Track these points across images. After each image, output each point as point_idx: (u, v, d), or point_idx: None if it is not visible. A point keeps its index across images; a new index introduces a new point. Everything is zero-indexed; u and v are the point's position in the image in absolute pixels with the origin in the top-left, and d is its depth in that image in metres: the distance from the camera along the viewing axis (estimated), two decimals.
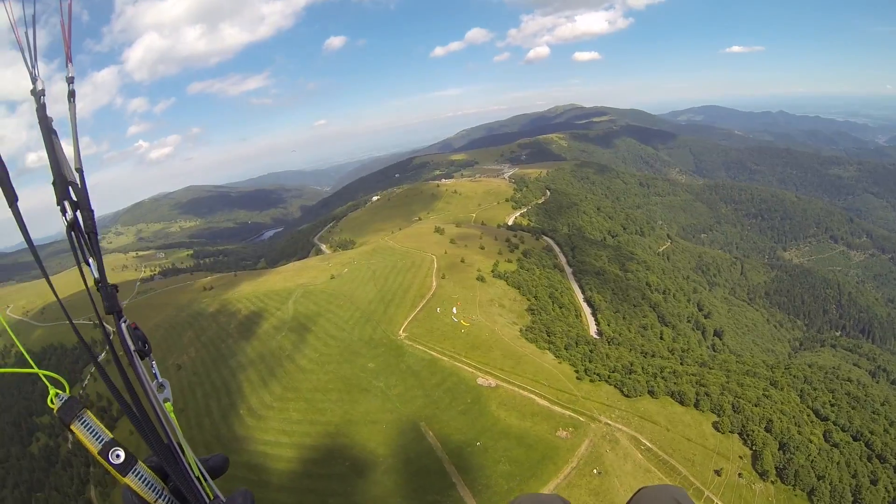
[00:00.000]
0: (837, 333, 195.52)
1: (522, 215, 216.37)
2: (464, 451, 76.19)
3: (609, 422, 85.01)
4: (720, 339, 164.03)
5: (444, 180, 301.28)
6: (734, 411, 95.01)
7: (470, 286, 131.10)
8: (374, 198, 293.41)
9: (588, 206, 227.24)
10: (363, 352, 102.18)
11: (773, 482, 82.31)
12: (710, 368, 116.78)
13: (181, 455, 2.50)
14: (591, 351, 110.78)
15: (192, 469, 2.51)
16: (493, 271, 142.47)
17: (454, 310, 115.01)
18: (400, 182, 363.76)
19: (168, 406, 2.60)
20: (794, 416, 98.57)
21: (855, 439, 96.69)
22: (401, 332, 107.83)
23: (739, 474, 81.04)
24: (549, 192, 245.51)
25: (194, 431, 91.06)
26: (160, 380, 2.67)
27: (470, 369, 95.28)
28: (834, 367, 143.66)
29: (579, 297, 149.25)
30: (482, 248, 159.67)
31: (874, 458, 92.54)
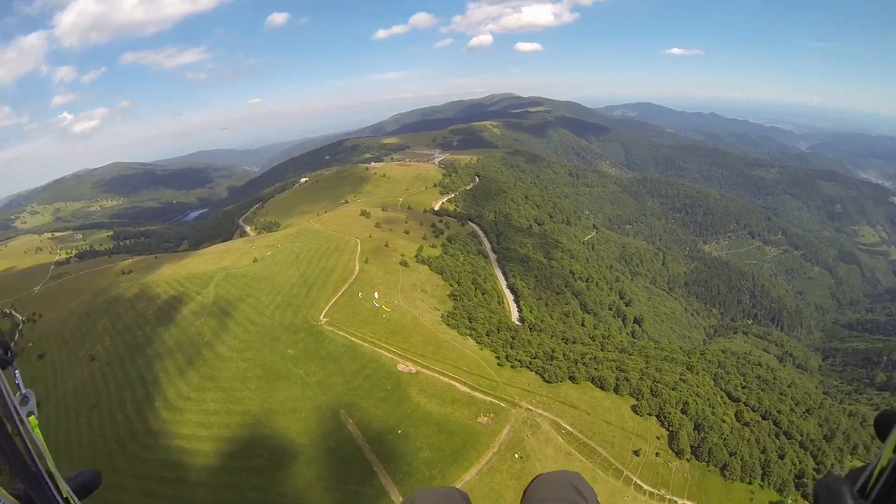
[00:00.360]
0: (750, 322, 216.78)
1: (450, 201, 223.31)
2: (385, 439, 77.39)
3: (530, 407, 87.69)
4: (640, 327, 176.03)
5: (373, 164, 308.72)
6: (652, 395, 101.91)
7: (393, 271, 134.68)
8: (303, 179, 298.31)
9: (516, 194, 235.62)
10: (283, 338, 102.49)
11: (688, 460, 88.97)
12: (629, 354, 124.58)
13: (48, 481, 2.16)
14: (512, 337, 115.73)
15: (61, 495, 2.22)
16: (416, 256, 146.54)
17: (376, 294, 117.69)
18: (330, 164, 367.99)
19: (32, 420, 2.28)
20: (708, 399, 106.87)
21: (764, 418, 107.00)
22: (322, 317, 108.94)
23: (657, 454, 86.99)
24: (478, 179, 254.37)
25: (107, 428, 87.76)
26: (24, 391, 2.39)
27: (390, 355, 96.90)
28: (746, 353, 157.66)
29: (502, 283, 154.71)
30: (407, 232, 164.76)
31: (781, 435, 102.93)
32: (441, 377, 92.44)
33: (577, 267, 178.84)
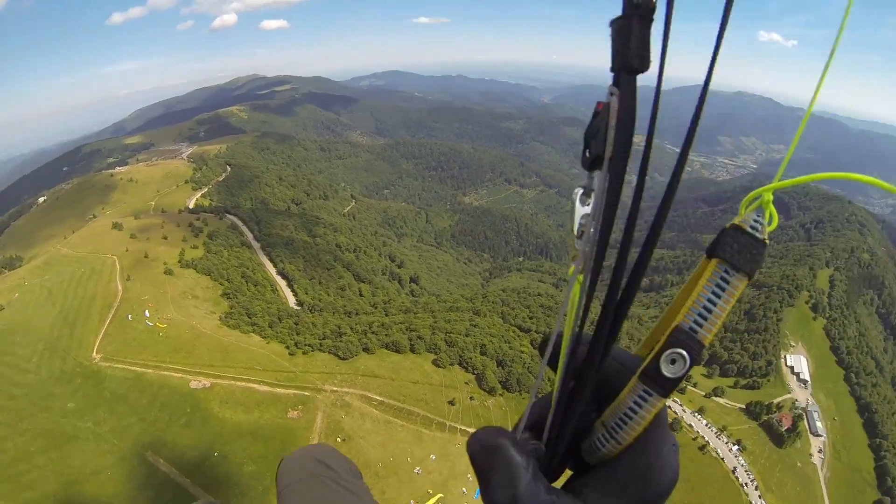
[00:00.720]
0: (521, 259, 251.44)
1: (204, 196, 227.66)
2: (203, 467, 76.68)
3: (335, 388, 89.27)
4: (417, 285, 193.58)
5: (118, 168, 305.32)
6: (448, 346, 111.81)
7: (159, 283, 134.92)
8: (41, 199, 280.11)
9: (270, 178, 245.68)
10: (58, 392, 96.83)
11: (501, 394, 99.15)
12: (415, 313, 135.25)
13: None
14: (296, 323, 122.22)
15: None
16: (180, 261, 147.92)
17: (146, 313, 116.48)
18: (70, 176, 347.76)
19: None
20: (502, 336, 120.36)
21: None
22: (94, 354, 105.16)
23: (471, 397, 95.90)
24: (229, 168, 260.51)
25: None
26: None
27: (179, 375, 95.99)
28: (524, 287, 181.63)
29: (272, 270, 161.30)
30: (165, 238, 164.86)
31: None
32: (237, 383, 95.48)
33: (342, 239, 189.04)
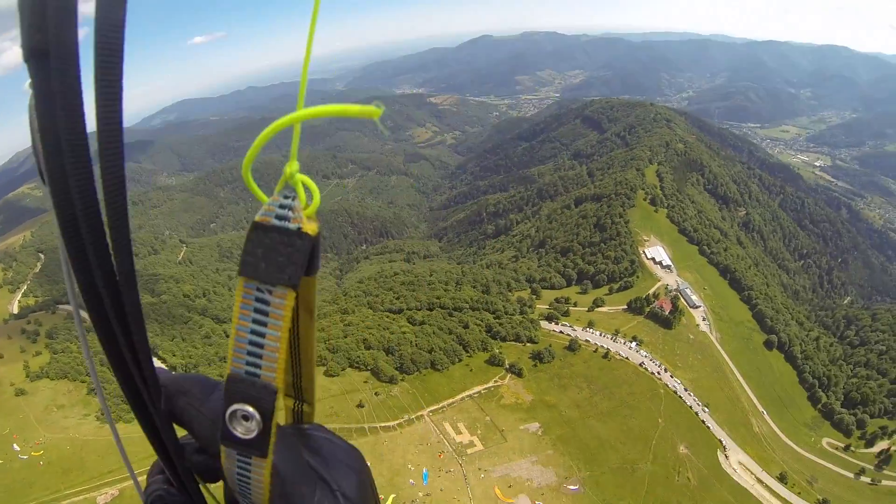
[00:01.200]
0: (363, 247, 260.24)
1: (25, 294, 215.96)
2: None
3: None
4: None
5: None
6: (332, 353, 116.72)
7: (14, 408, 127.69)
8: None
9: None
10: None
11: (402, 380, 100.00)
12: None
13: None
14: None
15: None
16: (28, 376, 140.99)
17: (15, 447, 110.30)
18: None
19: None
20: (378, 325, 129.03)
21: (430, 309, 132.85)
22: None
23: (376, 393, 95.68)
24: (42, 256, 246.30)
25: None
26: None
27: (81, 497, 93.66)
28: (378, 272, 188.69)
29: None
30: (1, 356, 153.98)
31: (454, 312, 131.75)
32: (144, 477, 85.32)
33: (187, 288, 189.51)
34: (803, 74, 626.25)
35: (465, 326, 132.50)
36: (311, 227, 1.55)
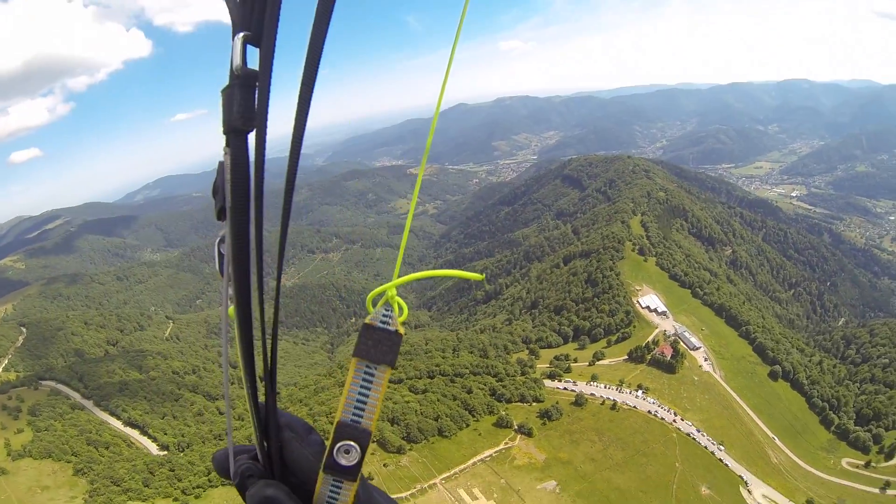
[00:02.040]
0: (353, 320, 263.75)
1: (6, 369, 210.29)
2: None
3: None
4: (261, 380, 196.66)
5: None
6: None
7: None
8: None
9: (75, 325, 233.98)
10: None
11: (410, 449, 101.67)
12: (286, 410, 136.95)
13: None
14: (171, 470, 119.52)
15: None
16: (9, 454, 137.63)
17: None
18: None
19: None
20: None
21: (430, 377, 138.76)
22: None
23: (385, 465, 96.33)
24: (24, 329, 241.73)
25: None
26: None
27: None
28: None
29: (117, 425, 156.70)
30: None
31: (456, 378, 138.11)
32: None
33: (176, 364, 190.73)
34: (768, 111, 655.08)
35: (469, 391, 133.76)
36: (401, 330, 2.37)
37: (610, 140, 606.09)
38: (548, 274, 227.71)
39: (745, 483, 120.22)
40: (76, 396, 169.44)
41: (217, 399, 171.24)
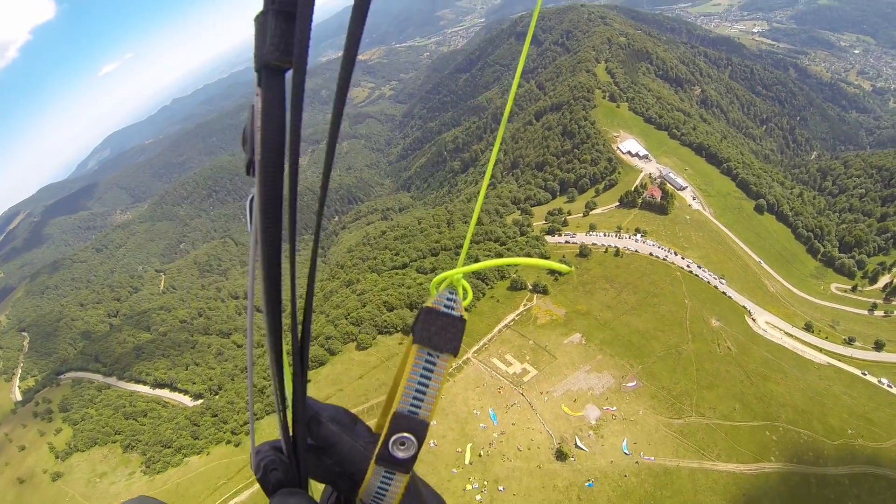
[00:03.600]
0: (335, 219, 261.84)
1: (22, 377, 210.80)
2: None
3: None
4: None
5: None
6: (356, 325, 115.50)
7: (55, 496, 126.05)
8: None
9: (73, 310, 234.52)
10: None
11: None
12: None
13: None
14: (214, 415, 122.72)
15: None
16: (57, 456, 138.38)
17: None
18: None
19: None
20: (389, 283, 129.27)
21: None
22: None
23: None
24: (26, 334, 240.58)
25: None
26: None
27: None
28: (364, 238, 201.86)
29: (145, 389, 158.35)
30: (23, 447, 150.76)
31: None
32: None
33: (181, 313, 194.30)
34: None
35: (476, 260, 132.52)
36: (465, 315, 2.06)
37: None
38: (522, 132, 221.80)
39: (750, 313, 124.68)
40: (98, 378, 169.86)
41: (230, 335, 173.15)
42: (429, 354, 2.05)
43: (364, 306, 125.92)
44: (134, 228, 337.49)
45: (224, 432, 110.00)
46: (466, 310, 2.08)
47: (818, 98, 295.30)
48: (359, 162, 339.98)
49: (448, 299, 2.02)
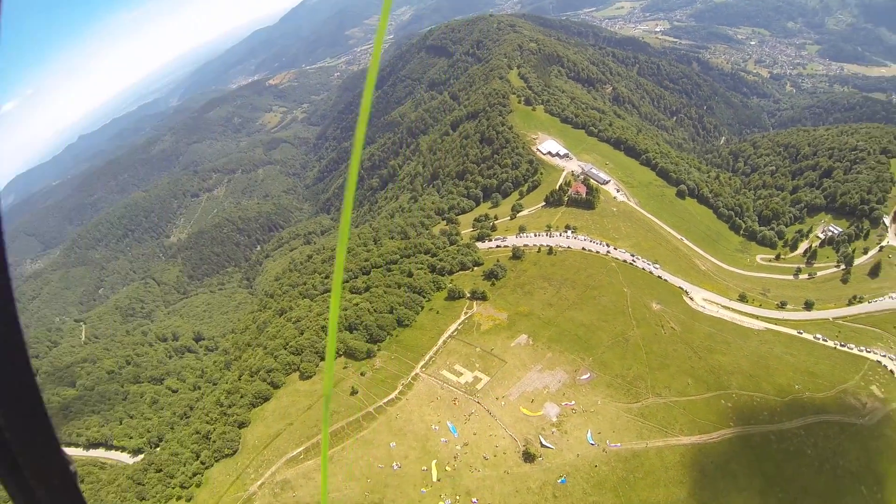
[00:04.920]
0: (258, 248, 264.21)
1: None
2: None
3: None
4: (205, 339, 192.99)
5: None
6: (296, 354, 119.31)
7: None
8: None
9: None
10: None
11: (378, 349, 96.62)
12: (235, 359, 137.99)
13: None
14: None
15: None
16: None
17: None
18: None
19: None
20: (320, 314, 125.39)
21: None
22: None
23: (362, 373, 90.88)
24: None
25: None
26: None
27: None
28: (290, 263, 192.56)
29: (81, 453, 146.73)
30: None
31: None
32: None
33: (108, 363, 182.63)
34: None
35: (409, 275, 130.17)
36: None
37: (465, 4, 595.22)
38: (439, 143, 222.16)
39: (686, 292, 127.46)
40: None
41: (162, 381, 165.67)
42: None
43: (302, 334, 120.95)
44: (47, 277, 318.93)
45: (172, 487, 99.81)
46: None
47: (721, 87, 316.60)
48: (276, 188, 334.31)
49: None
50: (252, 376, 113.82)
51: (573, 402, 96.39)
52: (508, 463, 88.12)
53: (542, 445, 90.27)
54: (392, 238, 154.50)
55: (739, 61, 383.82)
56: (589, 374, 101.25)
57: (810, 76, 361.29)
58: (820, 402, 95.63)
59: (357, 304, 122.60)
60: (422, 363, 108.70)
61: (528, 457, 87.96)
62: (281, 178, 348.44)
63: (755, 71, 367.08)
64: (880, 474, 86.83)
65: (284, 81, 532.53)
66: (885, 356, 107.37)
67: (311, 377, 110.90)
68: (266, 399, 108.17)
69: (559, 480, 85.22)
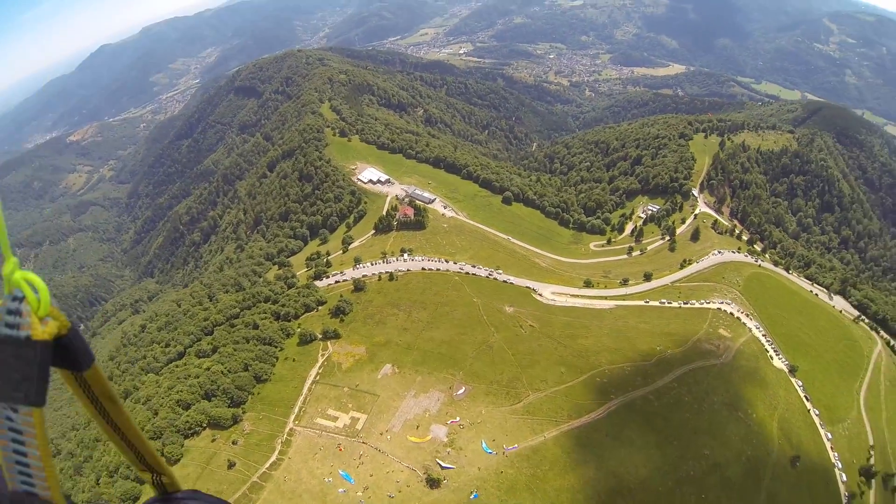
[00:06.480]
0: (81, 326, 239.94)
1: None
2: None
3: None
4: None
5: None
6: None
7: None
8: None
9: None
10: None
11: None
12: None
13: None
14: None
15: None
16: None
17: None
18: None
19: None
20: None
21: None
22: None
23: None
24: None
25: None
26: None
27: None
28: (123, 336, 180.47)
29: None
30: None
31: None
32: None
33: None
34: None
35: (255, 326, 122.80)
36: (44, 332, 1.36)
37: (272, 41, 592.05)
38: (258, 187, 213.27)
39: (534, 290, 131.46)
40: None
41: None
42: (3, 409, 1.43)
43: (157, 414, 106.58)
44: None
45: None
46: (46, 319, 1.32)
47: (527, 98, 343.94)
48: (91, 257, 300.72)
49: (10, 312, 1.38)
50: (112, 476, 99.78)
51: (458, 419, 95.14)
52: (416, 494, 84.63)
53: (443, 468, 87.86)
54: (227, 292, 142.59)
55: (541, 74, 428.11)
56: (464, 388, 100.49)
57: (606, 81, 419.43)
58: (682, 355, 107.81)
59: (209, 369, 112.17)
60: (293, 416, 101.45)
61: (433, 482, 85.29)
62: (95, 246, 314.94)
63: (556, 81, 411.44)
64: (748, 399, 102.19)
65: (87, 137, 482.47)
66: (722, 303, 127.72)
67: (178, 460, 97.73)
68: (135, 499, 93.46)
69: (472, 496, 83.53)
